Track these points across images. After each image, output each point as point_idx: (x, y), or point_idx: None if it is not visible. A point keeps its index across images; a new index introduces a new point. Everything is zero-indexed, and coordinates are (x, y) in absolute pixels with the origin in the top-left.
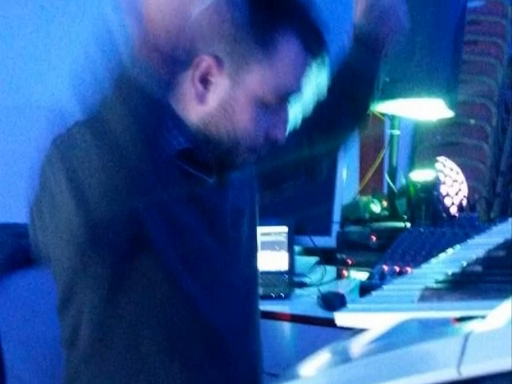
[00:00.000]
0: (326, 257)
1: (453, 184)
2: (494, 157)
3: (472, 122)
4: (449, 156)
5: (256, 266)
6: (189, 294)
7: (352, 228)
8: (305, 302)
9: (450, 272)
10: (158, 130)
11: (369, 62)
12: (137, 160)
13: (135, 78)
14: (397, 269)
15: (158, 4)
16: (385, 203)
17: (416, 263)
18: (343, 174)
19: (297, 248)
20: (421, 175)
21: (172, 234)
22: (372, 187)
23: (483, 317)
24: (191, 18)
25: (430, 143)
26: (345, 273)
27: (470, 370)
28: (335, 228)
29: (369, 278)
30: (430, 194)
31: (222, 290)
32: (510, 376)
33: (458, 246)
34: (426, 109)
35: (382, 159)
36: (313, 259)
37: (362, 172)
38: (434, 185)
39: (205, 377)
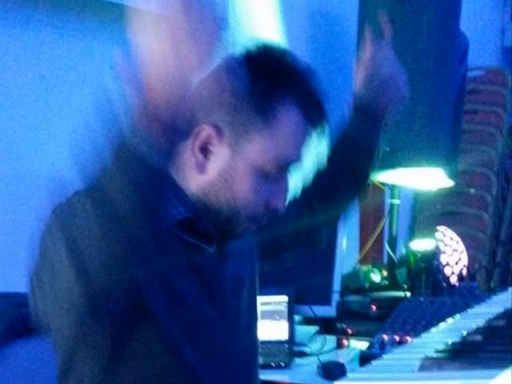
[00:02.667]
0: (326, 326)
1: (453, 253)
2: (494, 226)
3: (472, 191)
4: (449, 225)
5: (256, 336)
6: (189, 364)
7: (352, 297)
8: (305, 371)
9: (450, 341)
10: (158, 199)
11: (369, 131)
12: (137, 230)
13: (135, 147)
14: (397, 338)
15: (157, 73)
16: (385, 272)
17: (416, 333)
18: (343, 244)
19: (297, 317)
20: (421, 245)
21: (172, 303)
22: (372, 256)
23: None
24: (191, 88)
25: (430, 212)
26: (345, 342)
27: None
28: (335, 297)
29: (369, 348)
30: (430, 264)
31: (222, 359)
32: None
33: (458, 316)
34: (426, 178)
35: (382, 228)
36: (313, 328)
37: (362, 241)
38: (434, 254)
39: None
